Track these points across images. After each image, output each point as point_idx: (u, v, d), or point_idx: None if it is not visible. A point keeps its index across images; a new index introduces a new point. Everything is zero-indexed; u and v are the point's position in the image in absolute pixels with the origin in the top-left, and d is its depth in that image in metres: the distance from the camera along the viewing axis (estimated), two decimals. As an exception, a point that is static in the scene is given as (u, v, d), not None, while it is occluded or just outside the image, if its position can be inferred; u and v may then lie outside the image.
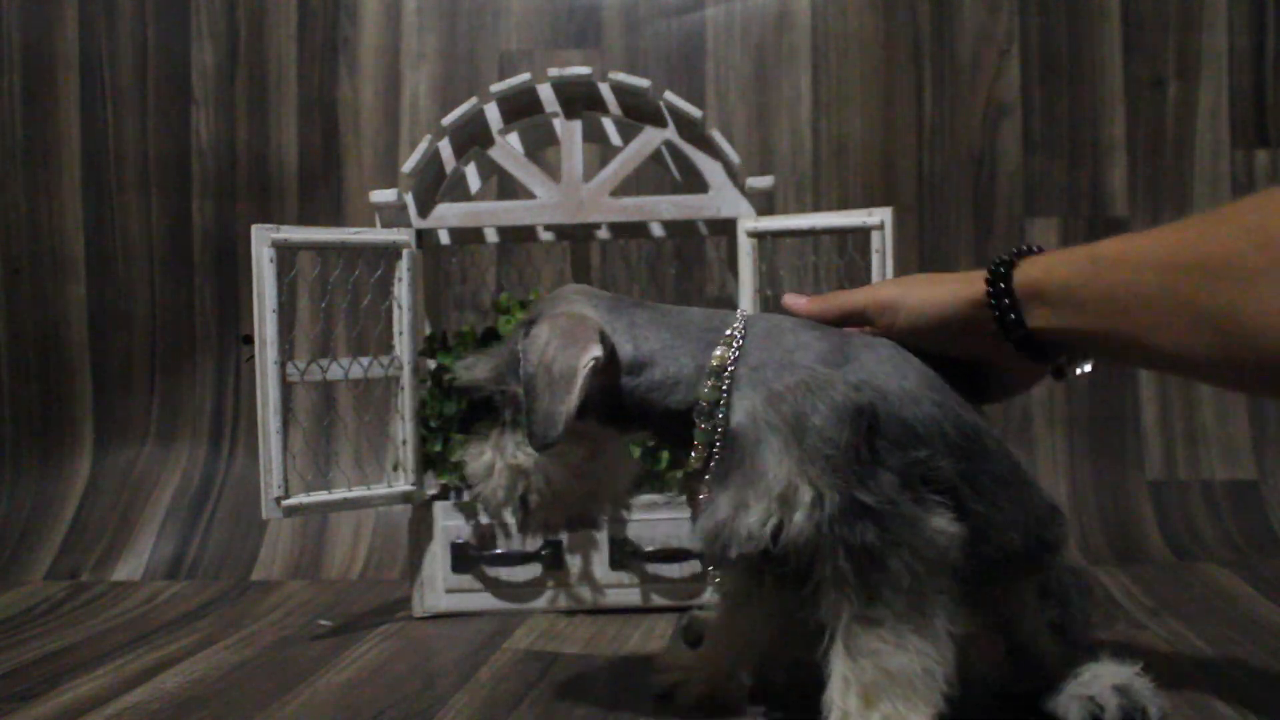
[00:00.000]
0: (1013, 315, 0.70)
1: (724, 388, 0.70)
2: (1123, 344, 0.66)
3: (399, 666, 0.96)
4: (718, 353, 0.71)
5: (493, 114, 1.13)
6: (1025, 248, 0.73)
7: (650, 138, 1.12)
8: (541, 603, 1.13)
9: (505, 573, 1.12)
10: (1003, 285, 0.70)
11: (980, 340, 0.72)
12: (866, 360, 0.71)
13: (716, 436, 0.70)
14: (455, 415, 1.12)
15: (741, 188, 1.11)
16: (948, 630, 0.65)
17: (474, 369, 0.75)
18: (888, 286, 0.78)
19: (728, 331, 0.72)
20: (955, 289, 0.73)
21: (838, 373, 0.69)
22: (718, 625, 0.82)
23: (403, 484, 1.11)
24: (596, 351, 0.68)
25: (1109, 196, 1.48)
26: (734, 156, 1.10)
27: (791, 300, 0.81)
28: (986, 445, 0.71)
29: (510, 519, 0.80)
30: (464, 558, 1.12)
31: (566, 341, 0.69)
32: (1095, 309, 0.65)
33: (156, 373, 1.55)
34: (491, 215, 1.14)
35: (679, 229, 1.18)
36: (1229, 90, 1.47)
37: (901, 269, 1.06)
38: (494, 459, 0.75)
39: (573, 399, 0.67)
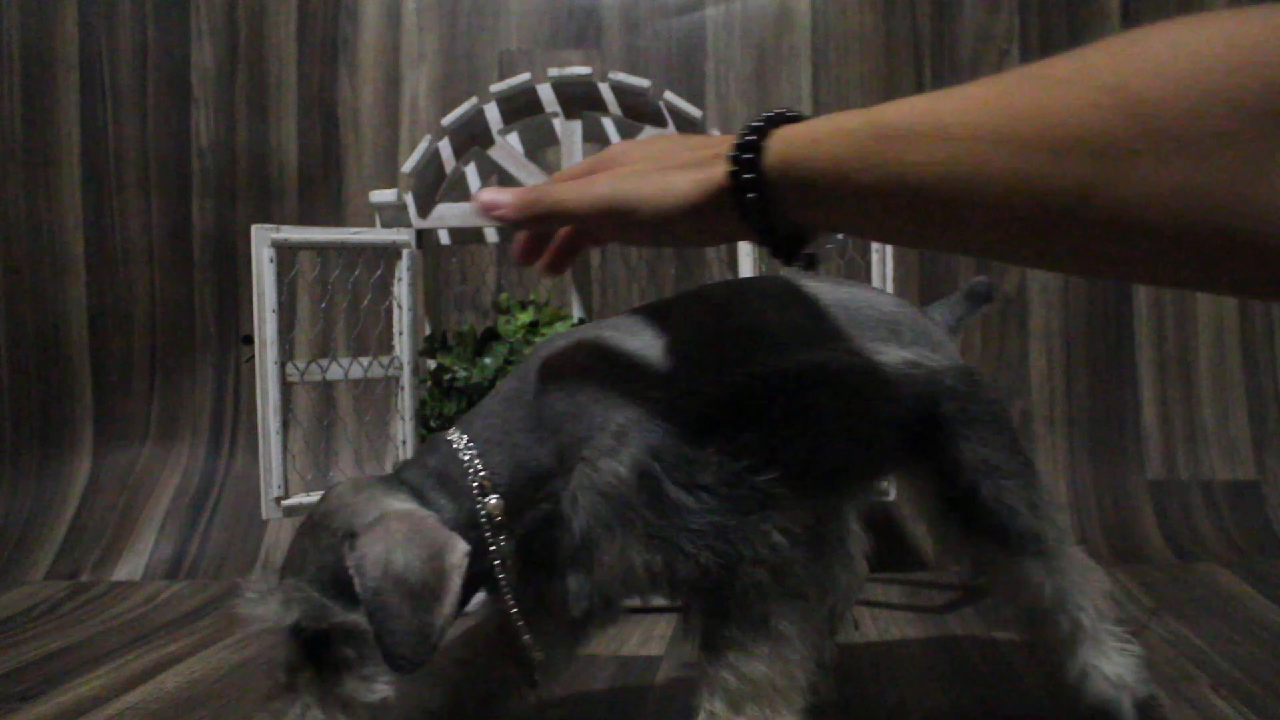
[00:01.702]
0: (764, 215, 0.55)
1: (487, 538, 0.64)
2: (921, 235, 0.54)
3: (399, 666, 0.95)
4: (492, 501, 0.64)
5: (493, 114, 1.13)
6: (779, 113, 0.57)
7: (650, 138, 1.12)
8: (541, 603, 1.13)
9: (505, 573, 1.12)
10: (747, 176, 0.55)
11: (732, 228, 0.58)
12: (616, 403, 0.64)
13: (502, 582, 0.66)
14: (455, 415, 1.12)
15: (741, 188, 1.11)
16: (801, 631, 0.64)
17: (278, 612, 0.61)
18: (602, 184, 0.60)
19: (470, 469, 0.65)
20: (694, 179, 0.57)
21: (599, 445, 0.63)
22: None
23: (403, 484, 1.10)
24: (464, 546, 0.61)
25: (1109, 196, 1.48)
26: (734, 156, 1.10)
27: (490, 198, 0.62)
28: (768, 371, 0.66)
29: None
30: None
31: (414, 544, 0.60)
32: (884, 196, 0.50)
33: (156, 373, 1.55)
34: (491, 215, 1.14)
35: (679, 229, 1.17)
36: (1229, 90, 1.47)
37: (901, 269, 1.06)
38: (331, 714, 0.61)
39: (447, 605, 0.59)
